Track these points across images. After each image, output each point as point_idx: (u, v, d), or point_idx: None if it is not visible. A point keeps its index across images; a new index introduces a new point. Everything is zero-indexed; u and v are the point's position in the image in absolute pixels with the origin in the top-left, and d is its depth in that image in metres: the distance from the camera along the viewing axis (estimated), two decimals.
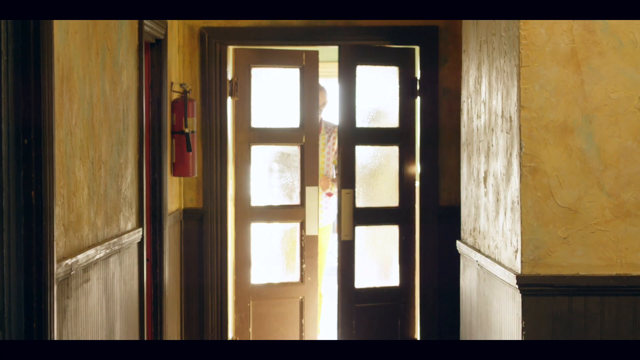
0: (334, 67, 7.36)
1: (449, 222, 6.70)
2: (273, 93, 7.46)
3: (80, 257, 4.18)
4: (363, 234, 7.30)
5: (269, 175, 7.58)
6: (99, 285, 4.60)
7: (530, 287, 4.19)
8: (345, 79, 7.07)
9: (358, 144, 7.20)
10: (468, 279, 5.54)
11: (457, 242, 5.83)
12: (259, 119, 7.40)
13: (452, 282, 6.45)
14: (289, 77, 7.48)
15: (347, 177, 7.12)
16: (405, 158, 7.24)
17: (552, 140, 4.20)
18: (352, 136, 7.14)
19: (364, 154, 7.27)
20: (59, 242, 3.94)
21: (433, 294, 6.96)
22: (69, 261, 4.02)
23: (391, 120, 7.26)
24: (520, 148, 4.20)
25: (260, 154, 7.49)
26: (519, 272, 4.21)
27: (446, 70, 6.91)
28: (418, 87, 7.05)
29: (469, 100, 5.52)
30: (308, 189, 7.54)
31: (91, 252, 4.36)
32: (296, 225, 7.57)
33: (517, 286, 4.21)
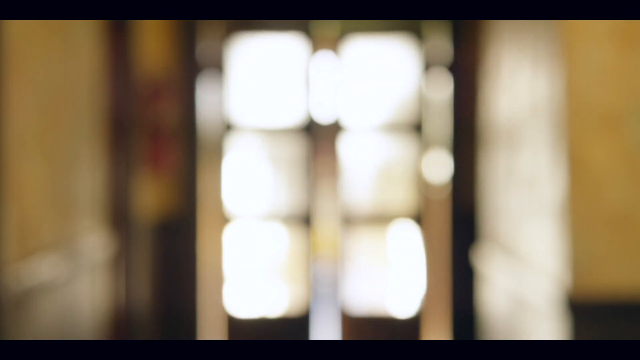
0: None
1: (467, 228, 6.16)
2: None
3: (36, 267, 3.76)
4: None
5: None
6: (59, 300, 4.18)
7: (578, 307, 3.65)
8: None
9: None
10: (493, 297, 5.06)
11: (477, 251, 5.34)
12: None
13: (466, 299, 5.96)
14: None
15: None
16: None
17: (600, 133, 3.70)
18: None
19: None
20: (10, 250, 3.51)
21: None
22: (22, 272, 3.60)
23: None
24: (563, 143, 3.73)
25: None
26: (564, 288, 3.68)
27: (467, 51, 6.33)
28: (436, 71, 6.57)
29: (494, 86, 5.10)
30: None
31: (48, 260, 3.93)
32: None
33: (561, 306, 3.68)
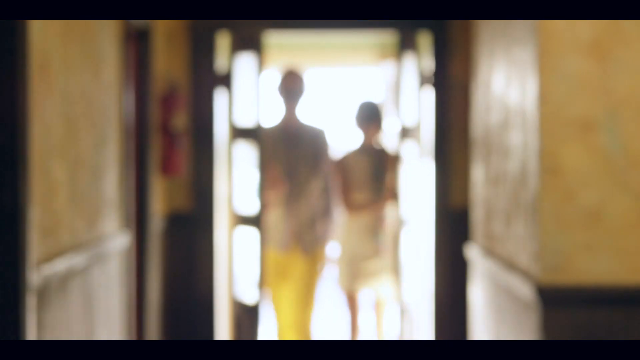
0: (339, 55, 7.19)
1: (458, 226, 6.41)
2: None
3: (58, 264, 3.92)
4: None
5: None
6: (80, 293, 4.34)
7: (550, 297, 3.89)
8: None
9: None
10: (479, 288, 5.26)
11: (467, 247, 5.56)
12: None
13: (460, 290, 6.18)
14: None
15: None
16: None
17: (573, 137, 3.92)
18: None
19: None
20: (36, 248, 3.68)
21: (443, 305, 6.68)
22: (46, 268, 3.76)
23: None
24: (539, 146, 3.92)
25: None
26: (537, 280, 3.92)
27: (457, 62, 6.60)
28: (428, 80, 6.75)
29: (482, 94, 5.26)
30: None
31: (71, 258, 4.10)
32: None
33: (535, 296, 3.92)
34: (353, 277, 6.93)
